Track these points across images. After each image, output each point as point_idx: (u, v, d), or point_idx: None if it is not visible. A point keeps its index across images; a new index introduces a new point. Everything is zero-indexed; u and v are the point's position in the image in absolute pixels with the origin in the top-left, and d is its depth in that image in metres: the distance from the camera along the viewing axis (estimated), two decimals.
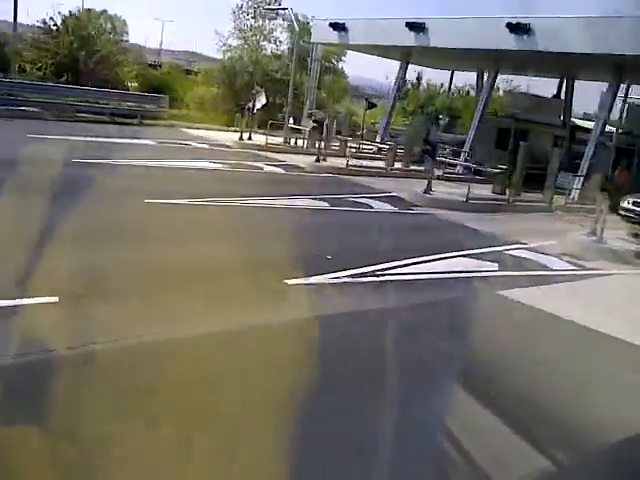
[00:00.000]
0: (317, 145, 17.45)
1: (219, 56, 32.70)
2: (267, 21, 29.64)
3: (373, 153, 21.89)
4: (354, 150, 21.56)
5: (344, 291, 6.75)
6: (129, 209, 9.08)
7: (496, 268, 8.66)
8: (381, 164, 18.78)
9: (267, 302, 6.06)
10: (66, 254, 6.55)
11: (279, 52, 30.17)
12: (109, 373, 4.12)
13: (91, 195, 9.49)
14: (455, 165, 19.36)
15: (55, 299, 5.24)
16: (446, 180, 17.51)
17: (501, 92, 35.48)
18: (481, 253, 9.26)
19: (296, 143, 21.11)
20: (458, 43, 18.55)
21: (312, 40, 23.91)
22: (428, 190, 13.68)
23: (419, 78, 42.43)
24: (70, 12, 30.46)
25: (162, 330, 4.96)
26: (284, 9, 23.12)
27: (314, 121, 19.46)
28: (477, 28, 18.09)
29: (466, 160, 18.91)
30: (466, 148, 19.73)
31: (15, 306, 5.04)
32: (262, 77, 27.95)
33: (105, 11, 40.57)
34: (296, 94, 26.88)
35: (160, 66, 39.95)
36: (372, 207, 12.29)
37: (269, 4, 29.71)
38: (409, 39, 20.06)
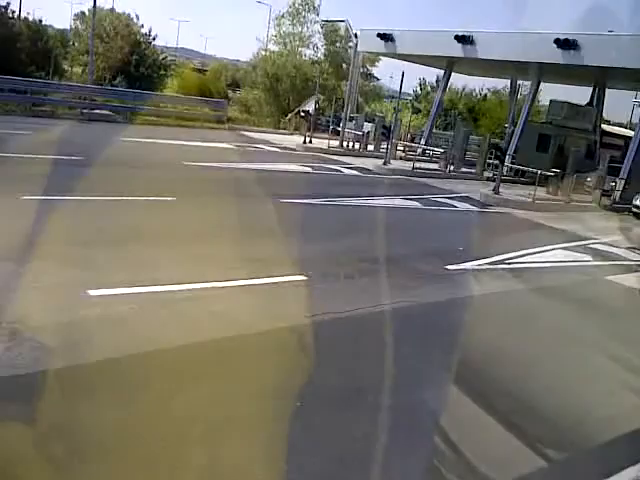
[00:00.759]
0: (385, 149, 19.14)
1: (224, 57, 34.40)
2: (305, 28, 31.25)
3: (418, 155, 23.58)
4: (402, 152, 23.37)
5: (493, 275, 8.45)
6: (279, 208, 10.68)
7: (590, 258, 10.41)
8: (434, 166, 20.50)
9: (445, 282, 7.75)
10: (277, 244, 8.22)
11: (316, 58, 31.78)
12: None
13: (237, 195, 11.12)
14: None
15: (304, 277, 6.91)
16: (494, 181, 19.33)
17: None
18: (571, 246, 11.00)
19: (353, 146, 22.76)
20: (506, 55, 20.22)
21: (358, 49, 25.55)
22: (497, 191, 15.41)
23: (438, 81, 44.31)
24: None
25: (387, 300, 6.64)
26: (342, 21, 24.78)
27: (383, 127, 21.08)
28: (525, 42, 19.76)
29: (512, 162, 20.64)
30: (510, 151, 21.49)
31: (276, 282, 6.69)
32: (303, 82, 29.57)
33: (113, 9, 42.07)
34: (336, 98, 28.62)
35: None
36: (456, 207, 14.00)
37: (308, 11, 31.43)
38: (457, 50, 21.73)
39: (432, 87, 44.85)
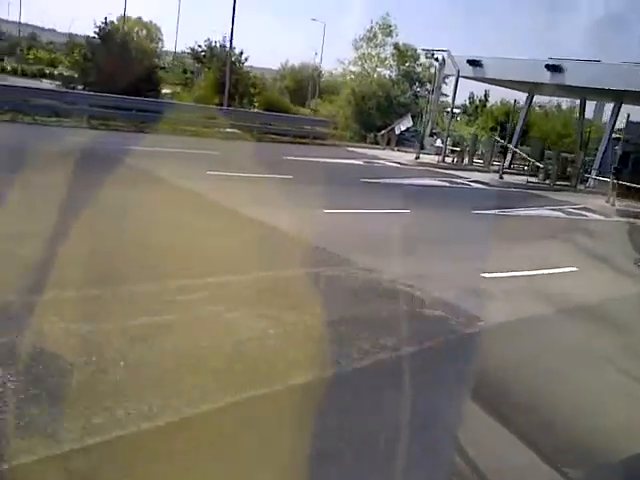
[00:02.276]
0: (500, 164, 22.15)
1: None
2: (382, 50, 34.40)
3: (505, 168, 26.59)
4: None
5: None
6: (477, 218, 13.61)
7: None
8: (534, 179, 23.48)
9: None
10: (519, 245, 11.09)
11: (393, 77, 34.85)
12: None
13: (437, 207, 14.07)
14: (587, 180, 24.28)
15: (576, 269, 9.81)
16: (588, 193, 22.45)
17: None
18: None
19: (457, 161, 25.75)
20: (591, 83, 23.21)
21: (445, 72, 28.60)
22: (613, 203, 18.38)
23: (486, 95, 47.51)
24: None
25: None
26: (444, 50, 27.73)
27: (501, 147, 24.08)
28: (611, 71, 22.76)
29: (598, 175, 23.71)
30: (596, 166, 24.59)
31: (563, 272, 9.59)
32: (386, 100, 32.64)
33: (140, 18, 45.11)
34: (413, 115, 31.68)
35: None
36: (587, 216, 16.95)
37: (385, 35, 34.54)
38: (543, 76, 24.79)
39: (480, 100, 48.14)
